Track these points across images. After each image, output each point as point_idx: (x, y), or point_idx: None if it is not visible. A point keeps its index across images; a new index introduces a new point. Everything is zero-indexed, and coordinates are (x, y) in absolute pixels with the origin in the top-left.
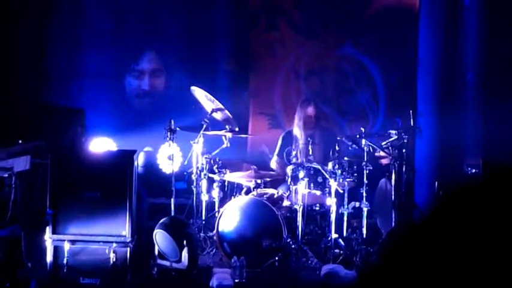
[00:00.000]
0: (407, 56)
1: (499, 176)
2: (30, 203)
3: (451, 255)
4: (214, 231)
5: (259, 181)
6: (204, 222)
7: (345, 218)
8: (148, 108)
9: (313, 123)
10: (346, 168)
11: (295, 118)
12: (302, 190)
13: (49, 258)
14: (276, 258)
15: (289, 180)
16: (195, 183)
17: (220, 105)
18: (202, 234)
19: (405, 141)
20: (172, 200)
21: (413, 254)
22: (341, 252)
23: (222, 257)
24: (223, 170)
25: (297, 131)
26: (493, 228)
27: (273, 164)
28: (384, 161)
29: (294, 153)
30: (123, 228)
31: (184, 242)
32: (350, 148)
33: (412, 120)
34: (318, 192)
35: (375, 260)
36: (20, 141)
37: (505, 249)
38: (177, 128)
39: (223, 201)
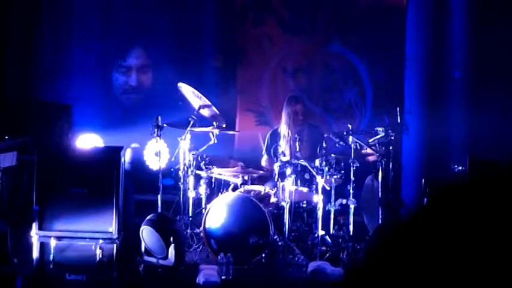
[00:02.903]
0: (394, 53)
1: (487, 174)
2: (16, 199)
3: (438, 253)
4: (201, 228)
5: (246, 178)
6: (191, 218)
7: (332, 215)
8: (135, 104)
9: (301, 121)
10: (333, 165)
11: (282, 115)
12: (289, 187)
13: (35, 254)
14: (263, 255)
15: (276, 177)
16: (182, 180)
17: (208, 102)
18: (189, 231)
19: (392, 138)
20: (159, 196)
21: (400, 252)
22: (328, 249)
23: (209, 253)
24: (211, 166)
25: (284, 128)
26: (480, 226)
27: (264, 162)
28: (371, 158)
29: (280, 150)
30: (109, 224)
31: (171, 239)
32: (337, 145)
33: (399, 117)
34: (305, 189)
35: (361, 257)
36: (7, 137)
37: (493, 247)
38: (164, 125)
39: (210, 197)
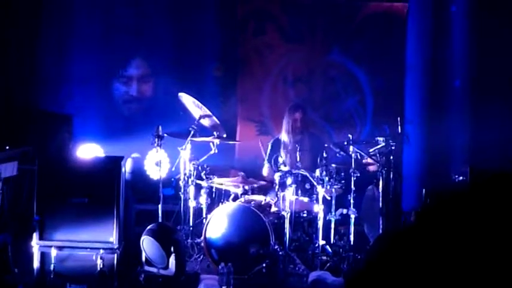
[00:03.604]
0: (395, 62)
1: (486, 182)
2: (17, 208)
3: (437, 261)
4: (202, 238)
5: (246, 187)
6: (191, 228)
7: (333, 225)
8: (136, 114)
9: (300, 129)
10: (334, 175)
11: (283, 123)
12: (290, 197)
13: (36, 264)
14: (264, 265)
15: (277, 186)
16: (182, 190)
17: (208, 112)
18: (189, 241)
19: (393, 148)
20: (159, 206)
21: (399, 261)
22: (328, 259)
23: (210, 263)
24: (211, 176)
25: (285, 136)
26: (479, 234)
27: (265, 171)
28: (372, 168)
29: (281, 159)
30: (110, 234)
31: (172, 249)
32: (338, 155)
33: (399, 127)
34: (306, 199)
35: (361, 266)
36: (8, 147)
37: (492, 256)
38: (165, 134)
39: (210, 207)
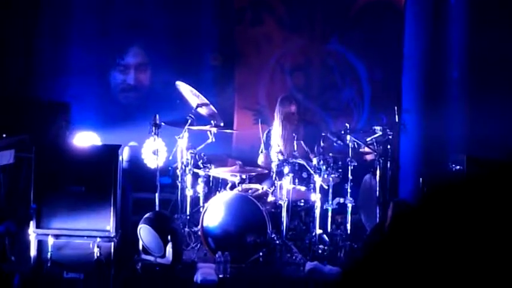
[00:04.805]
0: (392, 52)
1: (483, 172)
2: (14, 197)
3: (434, 252)
4: (199, 227)
5: (244, 176)
6: (188, 217)
7: (330, 214)
8: (133, 102)
9: (297, 120)
10: (331, 164)
11: (276, 115)
12: (287, 186)
13: (33, 252)
14: (260, 253)
15: (274, 175)
16: (179, 178)
17: (205, 100)
18: (186, 229)
19: (390, 137)
20: (156, 194)
21: (397, 251)
22: (325, 248)
23: (207, 252)
24: (208, 165)
25: (277, 127)
26: (476, 224)
27: (260, 160)
28: (369, 157)
29: (278, 149)
30: (107, 222)
31: (169, 237)
32: (335, 144)
33: (396, 116)
34: (303, 188)
35: (358, 255)
36: (4, 135)
37: (489, 245)
38: (162, 123)
39: (208, 196)
